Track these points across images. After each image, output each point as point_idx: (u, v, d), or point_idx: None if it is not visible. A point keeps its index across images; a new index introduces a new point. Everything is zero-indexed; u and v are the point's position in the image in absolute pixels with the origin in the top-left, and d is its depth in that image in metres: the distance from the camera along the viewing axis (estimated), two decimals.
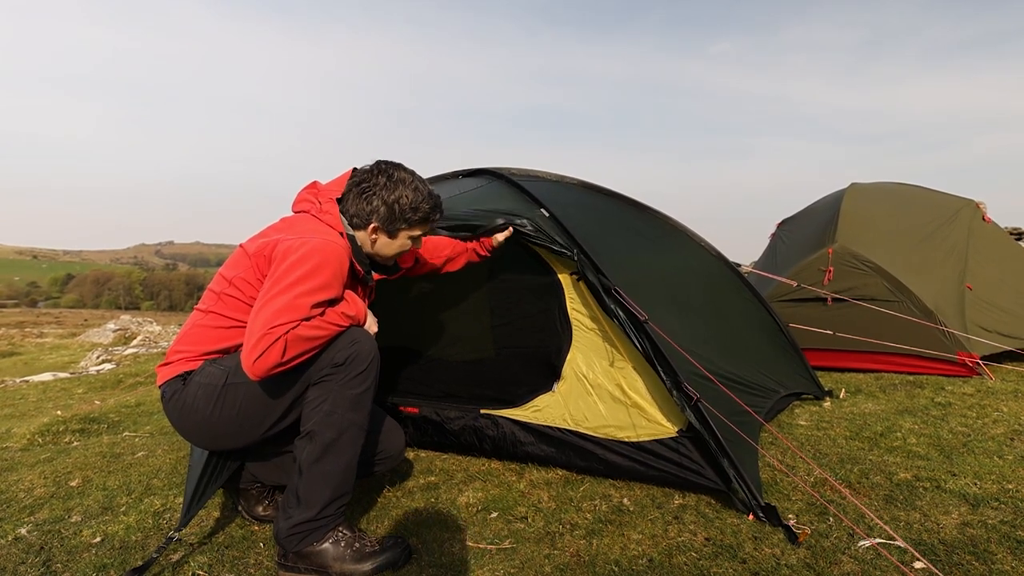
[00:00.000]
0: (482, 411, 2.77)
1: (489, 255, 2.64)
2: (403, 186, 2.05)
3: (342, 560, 1.87)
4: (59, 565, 2.01)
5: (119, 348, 11.28)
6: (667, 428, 2.39)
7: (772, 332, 3.64)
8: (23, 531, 2.27)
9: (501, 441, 2.72)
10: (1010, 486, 2.28)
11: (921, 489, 2.28)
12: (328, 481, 1.86)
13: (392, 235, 2.10)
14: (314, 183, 2.15)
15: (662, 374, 2.28)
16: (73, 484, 2.77)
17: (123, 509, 2.45)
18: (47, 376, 7.81)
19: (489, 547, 2.03)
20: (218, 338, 1.97)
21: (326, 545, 1.87)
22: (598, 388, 2.55)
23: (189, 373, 1.95)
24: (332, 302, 1.86)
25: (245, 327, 1.80)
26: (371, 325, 2.01)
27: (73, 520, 2.37)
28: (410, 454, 2.96)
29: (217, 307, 1.97)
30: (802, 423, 3.19)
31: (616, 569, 1.85)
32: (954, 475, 2.39)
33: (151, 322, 15.65)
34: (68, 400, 5.71)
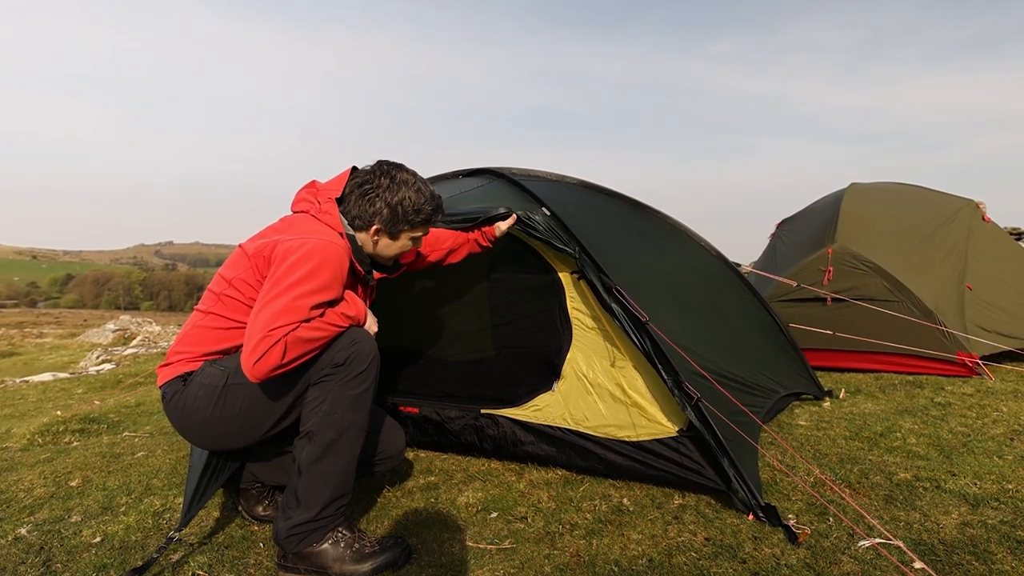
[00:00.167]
0: (482, 411, 2.77)
1: (491, 246, 2.62)
2: (406, 187, 2.04)
3: (342, 561, 1.86)
4: (59, 565, 2.01)
5: (119, 348, 11.28)
6: (667, 428, 2.39)
7: (772, 332, 3.64)
8: (23, 531, 2.27)
9: (501, 441, 2.72)
10: (1010, 486, 2.28)
11: (921, 489, 2.28)
12: (328, 481, 1.86)
13: (394, 237, 2.10)
14: (313, 182, 2.15)
15: (663, 373, 2.28)
16: (73, 484, 2.77)
17: (123, 509, 2.45)
18: (47, 376, 7.81)
19: (489, 547, 2.03)
20: (218, 339, 1.97)
21: (326, 546, 1.87)
22: (598, 387, 2.55)
23: (189, 374, 1.95)
24: (332, 303, 1.86)
25: (245, 328, 1.80)
26: (371, 325, 2.01)
27: (73, 520, 2.37)
28: (410, 454, 2.96)
29: (217, 308, 1.97)
30: (802, 423, 3.19)
31: (616, 569, 1.85)
32: (954, 475, 2.39)
33: (151, 322, 15.65)
34: (68, 400, 5.71)
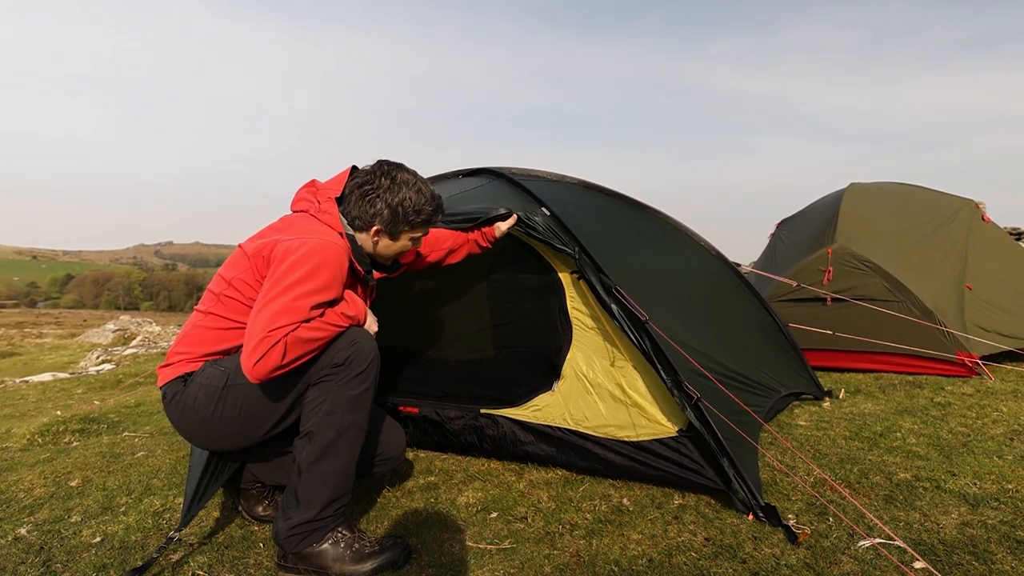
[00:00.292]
0: (482, 411, 2.77)
1: (490, 246, 2.61)
2: (406, 188, 2.04)
3: (342, 561, 1.86)
4: (59, 565, 2.01)
5: (119, 348, 11.28)
6: (667, 428, 2.39)
7: (772, 332, 3.64)
8: (23, 531, 2.27)
9: (501, 440, 2.72)
10: (1010, 486, 2.28)
11: (921, 489, 2.28)
12: (327, 482, 1.86)
13: (394, 237, 2.10)
14: (312, 182, 2.14)
15: (662, 373, 2.28)
16: (73, 484, 2.77)
17: (123, 509, 2.45)
18: (47, 376, 7.80)
19: (489, 547, 2.03)
20: (218, 339, 1.97)
21: (325, 546, 1.87)
22: (598, 387, 2.55)
23: (190, 374, 1.95)
24: (332, 303, 1.86)
25: (245, 328, 1.80)
26: (371, 325, 2.01)
27: (73, 520, 2.37)
28: (410, 454, 2.96)
29: (216, 308, 1.97)
30: (802, 423, 3.19)
31: (616, 569, 1.85)
32: (954, 475, 2.39)
33: (150, 322, 15.64)
34: (68, 400, 5.71)
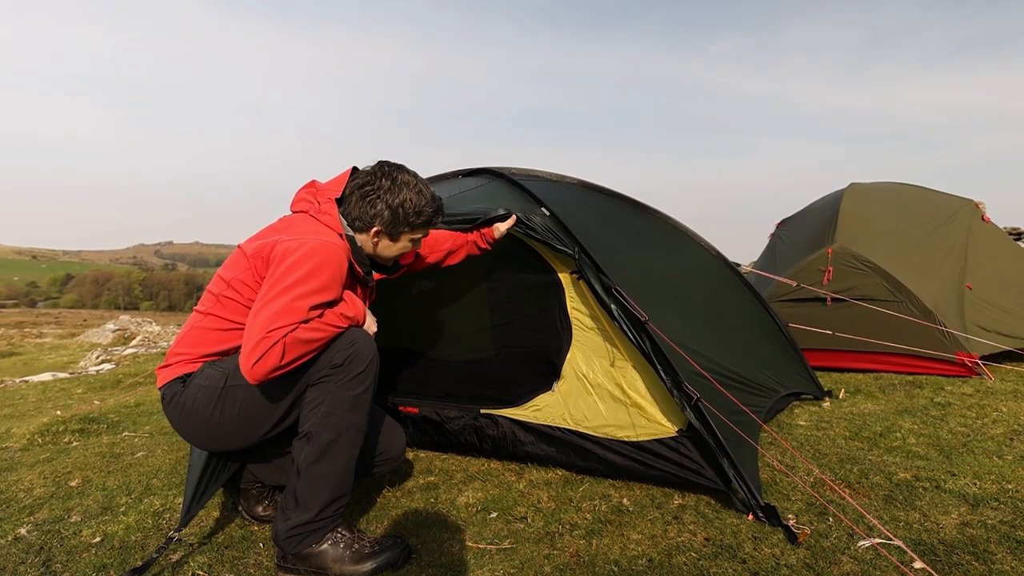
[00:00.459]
0: (482, 411, 2.77)
1: (489, 248, 2.61)
2: (407, 189, 2.04)
3: (341, 561, 1.86)
4: (59, 565, 2.01)
5: (118, 348, 11.28)
6: (667, 428, 2.39)
7: (771, 332, 3.64)
8: (23, 531, 2.27)
9: (501, 441, 2.72)
10: (1009, 486, 2.28)
11: (921, 489, 2.28)
12: (326, 482, 1.86)
13: (394, 238, 2.09)
14: (312, 182, 2.14)
15: (662, 373, 2.28)
16: (73, 484, 2.77)
17: (123, 509, 2.45)
18: (46, 376, 7.80)
19: (489, 547, 2.03)
20: (217, 340, 1.97)
21: (325, 546, 1.87)
22: (598, 388, 2.55)
23: (189, 375, 1.95)
24: (331, 304, 1.86)
25: (244, 329, 1.80)
26: (370, 325, 2.01)
27: (73, 520, 2.37)
28: (410, 454, 2.96)
29: (216, 309, 1.97)
30: (802, 423, 3.19)
31: (616, 569, 1.85)
32: (953, 475, 2.39)
33: (150, 322, 15.64)
34: (68, 400, 5.71)
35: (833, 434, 2.98)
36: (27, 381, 7.52)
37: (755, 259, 6.12)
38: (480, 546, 2.04)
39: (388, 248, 2.12)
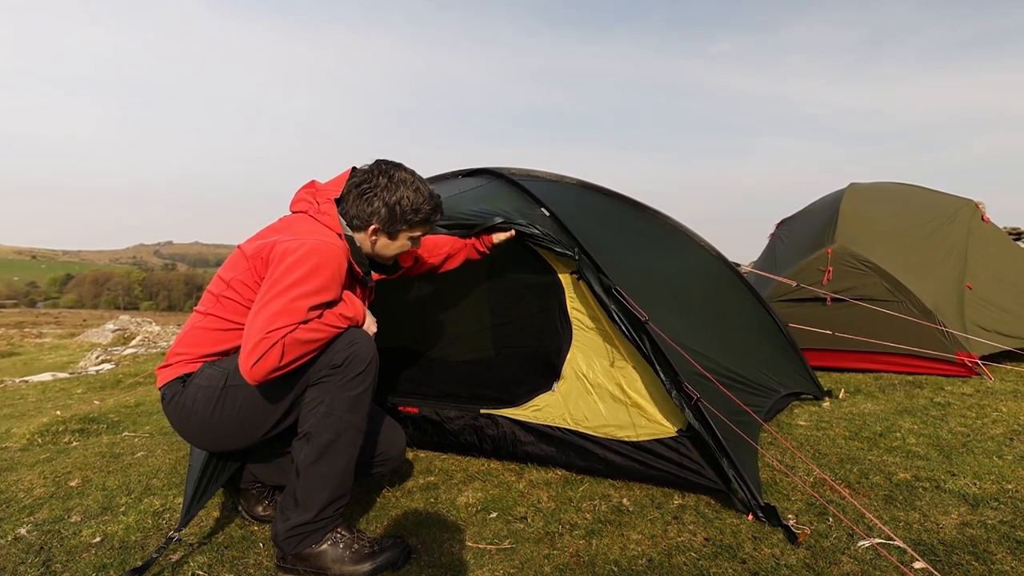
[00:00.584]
0: (482, 411, 2.77)
1: (488, 252, 2.63)
2: (404, 187, 2.04)
3: (341, 562, 1.86)
4: (59, 565, 2.01)
5: (118, 348, 11.27)
6: (667, 428, 2.39)
7: (771, 332, 3.64)
8: (23, 531, 2.27)
9: (501, 441, 2.72)
10: (1009, 486, 2.28)
11: (920, 489, 2.28)
12: (326, 483, 1.85)
13: (392, 236, 2.09)
14: (312, 183, 2.14)
15: (661, 374, 2.28)
16: (73, 484, 2.77)
17: (123, 509, 2.45)
18: (46, 376, 7.80)
19: (488, 547, 2.03)
20: (217, 340, 1.97)
21: (325, 547, 1.87)
22: (598, 388, 2.55)
23: (189, 375, 1.95)
24: (330, 304, 1.85)
25: (243, 329, 1.80)
26: (370, 325, 2.01)
27: (73, 520, 2.37)
28: (409, 454, 2.96)
29: (215, 309, 1.97)
30: (802, 423, 3.19)
31: (615, 569, 1.85)
32: (953, 475, 2.39)
33: (150, 322, 15.63)
34: (67, 400, 5.71)
35: (833, 434, 2.98)
36: (27, 381, 7.52)
37: (755, 259, 6.12)
38: (480, 546, 2.04)
39: (387, 247, 2.11)
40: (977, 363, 3.99)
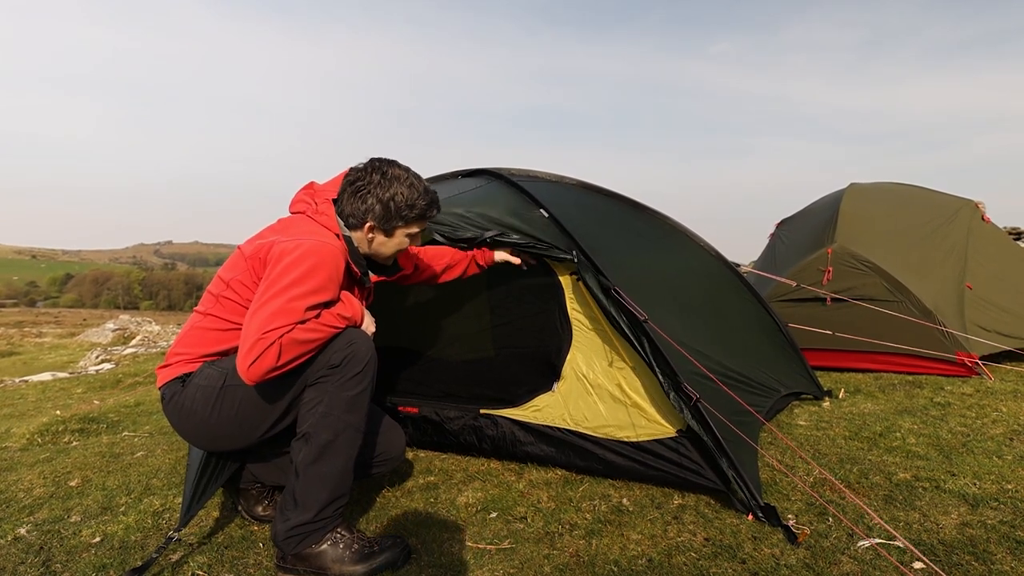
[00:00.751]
0: (482, 411, 2.77)
1: (486, 266, 2.68)
2: (398, 183, 2.04)
3: (341, 562, 1.86)
4: (58, 565, 2.01)
5: (118, 348, 11.27)
6: (667, 428, 2.39)
7: (771, 332, 3.64)
8: (22, 531, 2.27)
9: (501, 441, 2.72)
10: (1009, 486, 2.28)
11: (920, 489, 2.28)
12: (325, 483, 1.85)
13: (389, 233, 2.09)
14: (311, 184, 2.14)
15: (660, 377, 2.27)
16: (72, 484, 2.77)
17: (122, 509, 2.45)
18: (46, 376, 7.80)
19: (488, 547, 2.03)
20: (216, 340, 1.97)
21: (325, 547, 1.87)
22: (598, 388, 2.55)
23: (188, 375, 1.95)
24: (328, 304, 1.86)
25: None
26: (369, 326, 2.01)
27: (72, 520, 2.37)
28: (409, 454, 2.96)
29: (215, 309, 1.97)
30: (801, 423, 3.19)
31: (615, 569, 1.85)
32: (953, 475, 2.39)
33: (150, 322, 15.64)
34: (67, 400, 5.71)
35: (833, 434, 2.98)
36: (27, 381, 7.52)
37: (755, 259, 6.12)
38: (480, 546, 2.04)
39: (384, 245, 2.11)
40: (977, 363, 3.99)
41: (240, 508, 2.29)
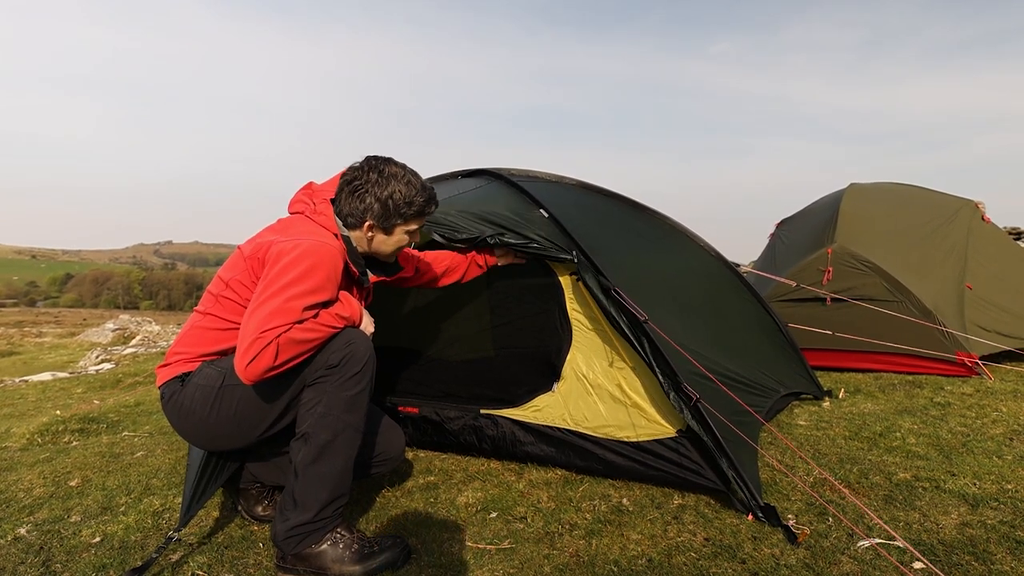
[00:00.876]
0: (482, 411, 2.77)
1: (487, 268, 2.69)
2: (395, 181, 2.03)
3: (341, 561, 1.86)
4: (58, 565, 2.01)
5: (118, 348, 11.27)
6: (667, 428, 2.39)
7: (771, 332, 3.64)
8: (22, 531, 2.27)
9: (501, 441, 2.72)
10: (1009, 486, 2.28)
11: (920, 489, 2.28)
12: (324, 483, 1.85)
13: (388, 231, 2.09)
14: (310, 184, 2.14)
15: (660, 377, 2.27)
16: (72, 484, 2.77)
17: (122, 509, 2.45)
18: (46, 376, 7.80)
19: (488, 547, 2.03)
20: (215, 340, 1.97)
21: (325, 547, 1.87)
22: (598, 388, 2.55)
23: (187, 374, 1.95)
24: (326, 304, 1.85)
25: None
26: (367, 325, 2.00)
27: (72, 520, 2.37)
28: (409, 454, 2.96)
29: (214, 309, 1.97)
30: (801, 423, 3.19)
31: (615, 569, 1.85)
32: (953, 475, 2.39)
33: (150, 321, 15.64)
34: (67, 400, 5.71)
35: (833, 434, 2.98)
36: (27, 381, 7.52)
37: (755, 259, 6.12)
38: (480, 546, 2.04)
39: (384, 243, 2.11)
40: (977, 363, 3.99)
41: (240, 508, 2.29)
